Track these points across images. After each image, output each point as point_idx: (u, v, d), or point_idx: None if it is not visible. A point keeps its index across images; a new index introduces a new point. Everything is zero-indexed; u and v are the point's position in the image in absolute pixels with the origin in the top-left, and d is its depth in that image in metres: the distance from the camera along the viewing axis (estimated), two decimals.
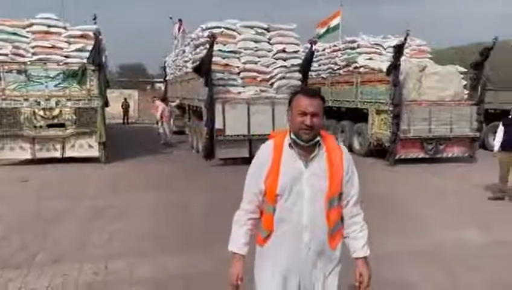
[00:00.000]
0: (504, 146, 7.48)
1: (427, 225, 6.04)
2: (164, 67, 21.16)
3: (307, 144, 2.13)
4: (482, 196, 7.77)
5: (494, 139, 8.07)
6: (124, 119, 26.43)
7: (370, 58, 12.78)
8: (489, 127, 13.11)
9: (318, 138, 2.14)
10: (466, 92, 11.68)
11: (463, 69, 11.85)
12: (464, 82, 11.72)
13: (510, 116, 7.64)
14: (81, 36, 11.38)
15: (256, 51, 11.23)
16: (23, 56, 10.95)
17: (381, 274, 3.48)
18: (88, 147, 11.10)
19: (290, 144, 2.16)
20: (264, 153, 2.21)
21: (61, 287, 4.00)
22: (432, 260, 4.74)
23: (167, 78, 20.34)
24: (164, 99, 16.70)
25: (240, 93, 10.93)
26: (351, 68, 13.19)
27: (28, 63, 10.77)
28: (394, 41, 12.67)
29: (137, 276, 4.27)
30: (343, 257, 2.27)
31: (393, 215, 6.41)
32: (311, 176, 2.13)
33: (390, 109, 10.84)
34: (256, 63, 11.18)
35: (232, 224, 2.30)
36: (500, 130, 7.59)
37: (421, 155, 11.27)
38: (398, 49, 10.64)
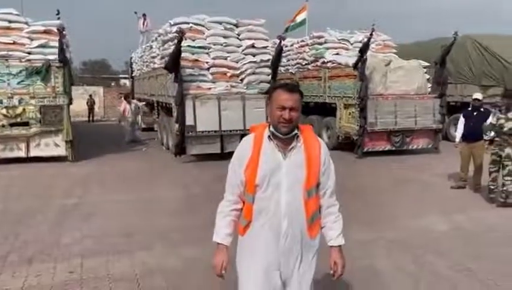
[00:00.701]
0: (464, 137, 7.79)
1: (395, 214, 6.29)
2: (130, 64, 20.76)
3: (285, 137, 2.22)
4: (446, 186, 8.12)
5: (455, 131, 8.44)
6: (89, 116, 25.78)
7: (337, 54, 13.01)
8: (451, 119, 13.65)
9: (296, 131, 2.24)
10: (429, 85, 12.11)
11: (426, 63, 12.28)
12: (427, 76, 12.16)
13: (470, 109, 8.00)
14: (44, 32, 11.00)
15: (225, 46, 11.22)
16: None
17: (353, 262, 3.63)
18: (54, 145, 10.82)
19: (269, 136, 2.24)
20: (245, 145, 2.30)
21: (36, 288, 3.94)
22: (400, 247, 4.95)
23: (133, 74, 19.98)
24: (126, 97, 16.32)
25: (210, 89, 10.90)
26: (318, 63, 13.40)
27: None
28: (360, 36, 12.98)
29: (116, 272, 4.24)
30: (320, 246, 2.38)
31: (362, 205, 6.62)
32: (289, 167, 2.22)
33: (358, 103, 11.11)
34: (225, 58, 11.17)
35: (216, 215, 2.37)
36: (461, 122, 7.90)
37: (388, 147, 11.60)
38: (365, 45, 10.90)
